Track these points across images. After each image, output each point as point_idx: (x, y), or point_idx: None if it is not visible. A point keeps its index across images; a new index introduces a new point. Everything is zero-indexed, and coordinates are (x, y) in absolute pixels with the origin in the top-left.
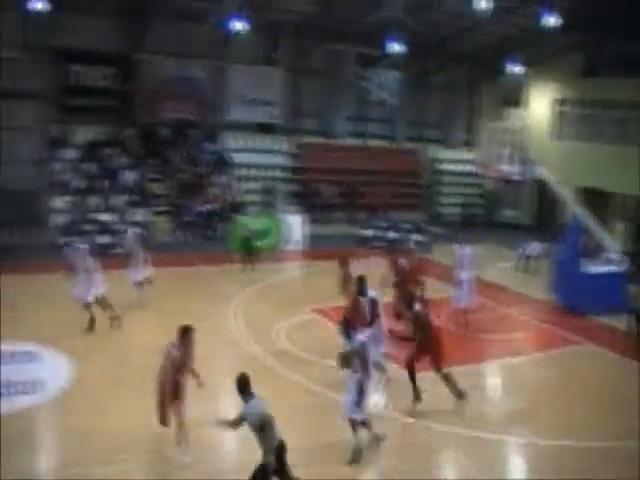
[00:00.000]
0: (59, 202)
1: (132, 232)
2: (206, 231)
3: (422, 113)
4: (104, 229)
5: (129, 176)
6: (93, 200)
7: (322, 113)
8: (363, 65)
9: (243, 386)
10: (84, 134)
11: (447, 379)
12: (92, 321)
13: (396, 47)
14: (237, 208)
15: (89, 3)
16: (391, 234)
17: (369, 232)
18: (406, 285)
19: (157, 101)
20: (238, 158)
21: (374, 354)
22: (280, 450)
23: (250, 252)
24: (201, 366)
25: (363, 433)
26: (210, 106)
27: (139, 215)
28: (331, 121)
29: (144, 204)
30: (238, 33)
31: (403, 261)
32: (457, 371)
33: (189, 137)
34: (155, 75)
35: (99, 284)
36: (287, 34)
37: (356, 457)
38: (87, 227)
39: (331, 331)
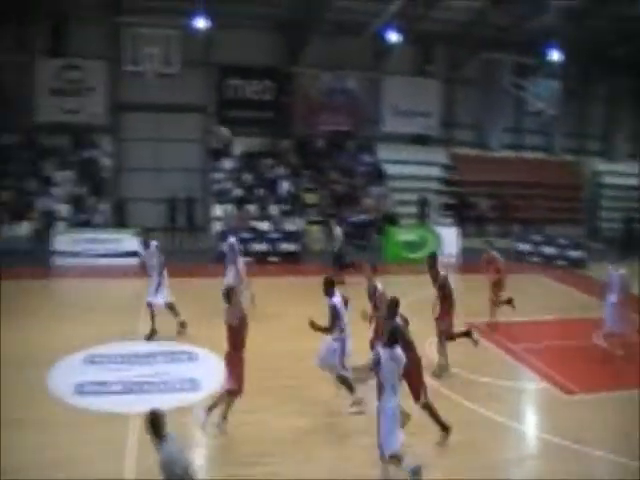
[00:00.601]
0: (219, 210)
1: (229, 242)
2: (360, 241)
3: (582, 124)
4: (260, 237)
5: (284, 186)
6: (250, 208)
7: (477, 124)
8: (520, 74)
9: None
10: (242, 145)
11: (428, 409)
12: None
13: (555, 55)
14: (391, 219)
15: (247, 19)
16: (547, 249)
17: (524, 246)
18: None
19: (313, 113)
20: (392, 169)
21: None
22: None
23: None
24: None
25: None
26: (365, 118)
27: (293, 224)
28: (487, 132)
29: (299, 214)
30: (393, 45)
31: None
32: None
33: (344, 148)
34: (311, 87)
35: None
36: (441, 44)
37: None
38: (244, 234)
39: (485, 347)
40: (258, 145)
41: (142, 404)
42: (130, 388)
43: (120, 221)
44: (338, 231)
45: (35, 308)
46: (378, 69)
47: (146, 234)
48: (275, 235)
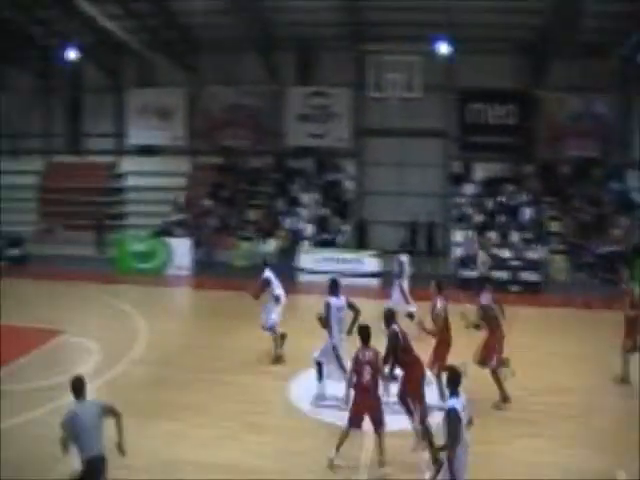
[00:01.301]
0: (459, 235)
1: (398, 259)
2: (606, 274)
3: None
4: (501, 265)
5: (527, 213)
6: (491, 235)
7: None
8: None
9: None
10: (483, 170)
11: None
12: None
13: None
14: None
15: (489, 42)
16: None
17: None
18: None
19: (558, 138)
20: None
21: None
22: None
23: None
24: None
25: None
26: (614, 143)
27: (535, 253)
28: None
29: (541, 242)
30: None
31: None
32: None
33: (591, 175)
34: (557, 111)
35: None
36: None
37: None
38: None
39: None
40: (500, 170)
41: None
42: None
43: (361, 242)
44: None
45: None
46: (629, 92)
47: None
48: (516, 263)
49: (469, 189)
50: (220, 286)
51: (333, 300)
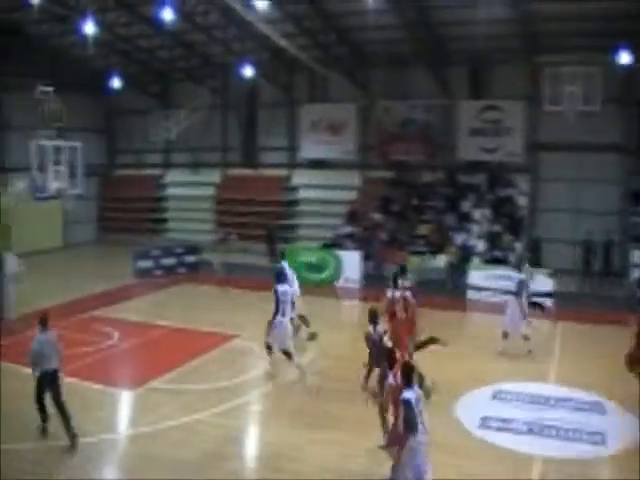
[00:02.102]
0: (637, 256)
1: (519, 278)
2: None
3: None
4: None
5: None
6: None
7: None
8: None
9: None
10: None
11: None
12: None
13: None
14: None
15: None
16: None
17: None
18: None
19: None
20: None
21: None
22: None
23: None
24: None
25: None
26: None
27: None
28: None
29: None
30: None
31: None
32: None
33: None
34: None
35: None
36: None
37: None
38: None
39: None
40: None
41: (546, 448)
42: (535, 429)
43: (534, 260)
44: None
45: (453, 337)
46: None
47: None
48: None
49: None
50: None
51: None
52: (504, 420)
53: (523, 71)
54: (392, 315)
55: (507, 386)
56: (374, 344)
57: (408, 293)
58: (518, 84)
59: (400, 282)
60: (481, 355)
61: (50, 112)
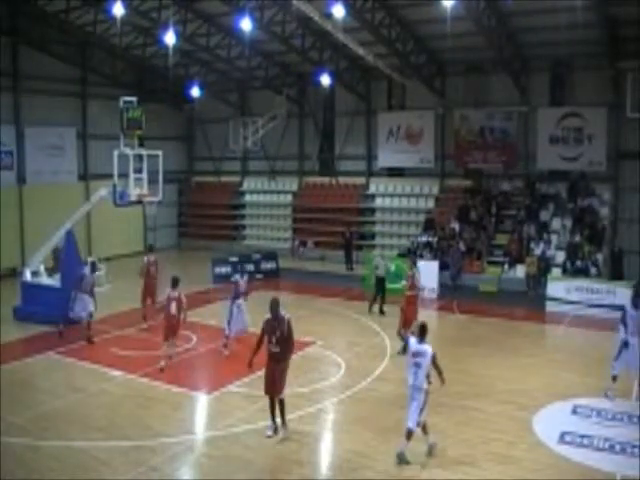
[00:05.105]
0: None
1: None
2: None
3: None
4: None
5: None
6: None
7: None
8: None
9: None
10: None
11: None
12: None
13: None
14: None
15: None
16: None
17: None
18: None
19: None
20: None
21: None
22: None
23: None
24: None
25: None
26: None
27: None
28: None
29: None
30: None
31: None
32: None
33: None
34: None
35: None
36: None
37: None
38: None
39: None
40: None
41: (626, 467)
42: (616, 447)
43: (616, 273)
44: None
45: (531, 350)
46: None
47: None
48: None
49: None
50: (466, 310)
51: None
52: (584, 436)
53: (605, 77)
54: None
55: (587, 401)
56: None
57: None
58: (600, 90)
59: None
60: (561, 369)
61: (132, 121)
